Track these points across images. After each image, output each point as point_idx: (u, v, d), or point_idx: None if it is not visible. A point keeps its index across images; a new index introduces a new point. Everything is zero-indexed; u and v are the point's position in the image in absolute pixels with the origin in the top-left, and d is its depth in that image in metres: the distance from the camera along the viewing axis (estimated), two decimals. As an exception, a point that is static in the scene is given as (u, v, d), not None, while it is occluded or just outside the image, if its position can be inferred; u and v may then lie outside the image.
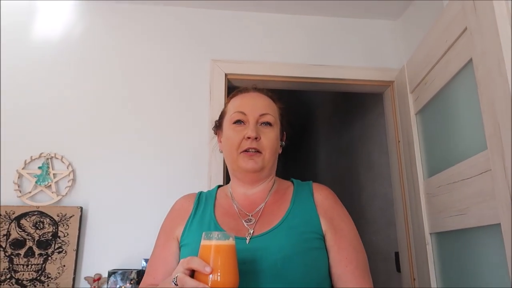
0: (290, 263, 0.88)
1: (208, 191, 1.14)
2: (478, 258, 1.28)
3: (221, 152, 1.13)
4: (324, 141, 3.67)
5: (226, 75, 1.92)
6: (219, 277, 0.72)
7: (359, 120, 2.76)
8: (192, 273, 0.75)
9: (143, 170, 1.75)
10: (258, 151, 1.01)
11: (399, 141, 1.95)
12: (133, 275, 1.54)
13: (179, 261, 0.97)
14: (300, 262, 0.89)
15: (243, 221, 1.00)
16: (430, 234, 1.61)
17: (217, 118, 1.19)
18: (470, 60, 1.28)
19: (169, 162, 1.78)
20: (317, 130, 3.88)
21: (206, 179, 1.76)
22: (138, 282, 1.51)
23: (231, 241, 0.76)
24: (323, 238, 0.97)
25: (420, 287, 1.69)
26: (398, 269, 2.03)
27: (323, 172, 3.62)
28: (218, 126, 1.14)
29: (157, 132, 1.81)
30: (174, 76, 1.89)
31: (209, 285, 0.71)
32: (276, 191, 1.08)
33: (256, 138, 1.01)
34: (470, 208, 1.28)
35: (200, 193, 1.12)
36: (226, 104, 1.15)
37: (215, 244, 0.75)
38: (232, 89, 1.99)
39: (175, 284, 0.74)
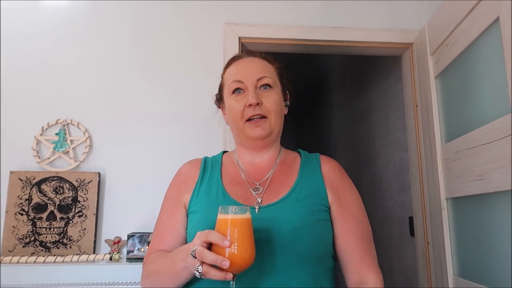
0: (299, 234, 0.89)
1: (213, 156, 1.14)
2: (495, 224, 1.27)
3: (227, 123, 1.12)
4: (338, 106, 3.62)
5: (240, 38, 1.88)
6: (236, 249, 0.73)
7: (375, 84, 2.69)
8: (209, 246, 0.76)
9: (159, 135, 1.76)
10: (263, 117, 1.00)
11: (417, 106, 1.91)
12: (151, 238, 1.58)
13: (186, 227, 1.00)
14: (309, 234, 0.90)
15: (251, 190, 1.00)
16: (446, 199, 1.60)
17: None
18: (497, 19, 1.22)
19: (184, 127, 1.78)
20: (331, 95, 3.82)
21: (221, 144, 1.76)
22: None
23: (247, 215, 0.77)
24: (329, 210, 0.98)
25: (434, 252, 1.70)
26: (412, 233, 2.05)
27: (337, 138, 3.60)
28: (219, 99, 1.13)
29: (172, 97, 1.80)
30: (187, 40, 1.85)
31: (227, 257, 0.72)
32: (283, 160, 1.08)
33: (258, 104, 0.99)
34: (490, 173, 1.26)
35: (205, 159, 1.11)
36: (222, 75, 1.12)
37: (231, 218, 0.75)
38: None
39: (193, 256, 0.75)
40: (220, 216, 0.78)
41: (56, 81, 1.75)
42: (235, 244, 0.73)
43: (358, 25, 1.94)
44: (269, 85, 1.02)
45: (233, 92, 1.02)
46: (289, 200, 0.96)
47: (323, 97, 4.04)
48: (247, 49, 1.11)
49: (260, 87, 1.01)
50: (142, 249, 1.57)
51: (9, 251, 1.56)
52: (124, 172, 1.71)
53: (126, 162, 1.72)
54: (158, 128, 1.76)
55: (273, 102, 1.01)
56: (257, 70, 1.03)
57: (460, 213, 1.51)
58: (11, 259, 1.50)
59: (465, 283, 1.44)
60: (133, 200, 1.69)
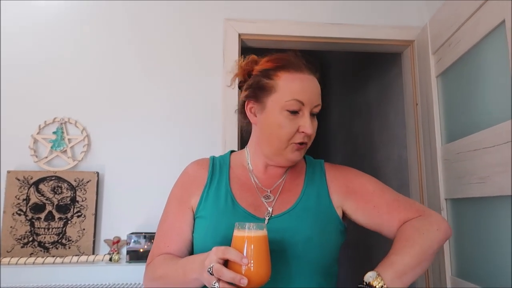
0: (310, 244, 0.90)
1: (221, 156, 1.10)
2: (495, 227, 1.28)
3: (246, 122, 1.06)
4: (337, 99, 3.61)
5: (239, 35, 1.85)
6: (252, 267, 0.73)
7: (375, 79, 2.68)
8: (225, 262, 0.76)
9: (158, 133, 1.74)
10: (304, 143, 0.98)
11: (417, 104, 1.90)
12: (149, 239, 1.58)
13: (193, 231, 0.99)
14: (318, 243, 0.91)
15: (262, 197, 0.99)
16: (446, 199, 1.60)
17: (232, 72, 1.08)
18: (503, 22, 1.20)
19: (183, 125, 1.76)
20: (329, 87, 3.80)
21: (221, 143, 1.74)
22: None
23: (264, 231, 0.77)
24: (337, 220, 0.98)
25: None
26: (410, 230, 2.05)
27: (336, 132, 3.59)
28: (254, 97, 1.00)
29: (171, 95, 1.77)
30: (187, 37, 1.82)
31: (243, 274, 0.72)
32: (293, 168, 1.06)
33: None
34: (492, 177, 1.26)
35: (213, 159, 1.07)
36: (270, 75, 0.97)
37: (248, 235, 0.76)
38: (246, 50, 1.93)
39: (210, 273, 0.75)
40: (237, 232, 0.78)
41: (54, 78, 1.72)
42: (252, 261, 0.73)
43: (359, 21, 1.92)
44: (317, 114, 1.00)
45: (291, 111, 0.94)
46: (297, 209, 0.96)
47: (321, 88, 4.02)
48: (306, 59, 1.00)
49: (311, 113, 0.97)
50: (141, 250, 1.57)
51: (8, 251, 1.55)
52: (123, 171, 1.69)
53: (124, 161, 1.70)
54: (157, 126, 1.74)
55: (315, 131, 0.98)
56: (317, 95, 0.97)
57: (459, 214, 1.52)
58: (9, 260, 1.49)
59: (464, 284, 1.45)
60: (132, 199, 1.67)
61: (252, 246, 0.75)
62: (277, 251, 0.86)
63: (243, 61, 1.07)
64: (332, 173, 1.05)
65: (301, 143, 0.96)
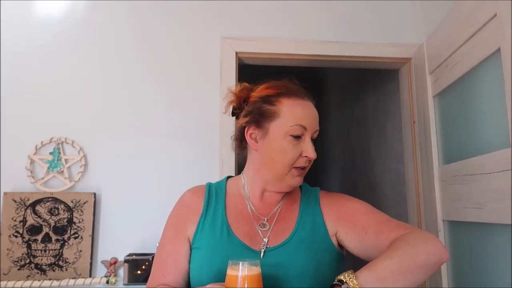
0: (304, 280, 0.89)
1: (217, 183, 1.10)
2: (492, 254, 1.28)
3: (242, 148, 1.06)
4: (334, 109, 3.61)
5: (236, 53, 1.85)
6: None
7: (373, 92, 2.68)
8: None
9: (155, 154, 1.74)
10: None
11: (414, 122, 1.90)
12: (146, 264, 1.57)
13: (189, 261, 0.99)
14: (313, 278, 0.90)
15: (257, 226, 0.99)
16: (443, 220, 1.61)
17: (226, 99, 1.06)
18: (498, 50, 1.21)
19: (180, 146, 1.76)
20: (327, 97, 3.80)
21: (218, 160, 1.74)
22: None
23: (257, 270, 0.78)
24: (333, 249, 0.97)
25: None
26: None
27: (333, 142, 3.59)
28: (256, 123, 0.99)
29: (168, 115, 1.77)
30: (183, 55, 1.82)
31: None
32: (289, 193, 1.06)
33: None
34: (489, 203, 1.26)
35: (209, 187, 1.07)
36: (272, 101, 0.98)
37: (242, 274, 0.76)
38: (243, 67, 1.93)
39: None
40: (230, 271, 0.78)
41: (50, 98, 1.72)
42: None
43: (356, 39, 1.92)
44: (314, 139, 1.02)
45: (295, 136, 0.96)
46: (292, 242, 0.95)
47: (318, 98, 4.02)
48: (303, 86, 1.04)
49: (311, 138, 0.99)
50: (139, 272, 1.56)
51: (4, 274, 1.54)
52: (120, 191, 1.69)
53: (121, 181, 1.70)
54: (155, 146, 1.74)
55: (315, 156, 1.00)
56: (316, 120, 1.00)
57: (457, 236, 1.52)
58: (6, 284, 1.48)
59: (461, 306, 1.46)
60: (130, 220, 1.67)
61: (246, 285, 0.75)
62: (271, 287, 0.86)
63: (237, 88, 1.07)
64: (326, 199, 1.04)
65: (302, 168, 0.97)
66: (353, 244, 0.94)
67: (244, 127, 1.03)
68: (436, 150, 1.67)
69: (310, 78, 3.98)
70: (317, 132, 1.00)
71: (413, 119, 1.91)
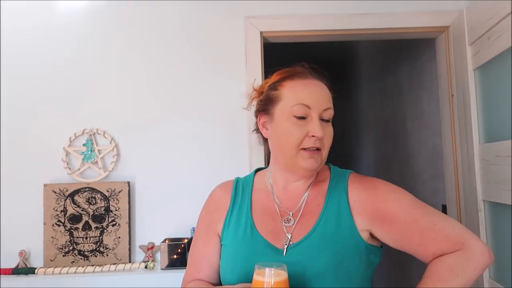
0: (323, 279, 0.87)
1: (245, 177, 1.10)
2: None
3: (263, 138, 1.05)
4: (366, 80, 3.47)
5: (261, 33, 1.78)
6: None
7: (408, 61, 2.54)
8: None
9: (186, 141, 1.74)
10: (318, 149, 0.94)
11: (452, 95, 1.79)
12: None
13: (220, 256, 1.00)
14: (333, 277, 0.88)
15: (282, 222, 0.97)
16: (483, 201, 1.53)
17: (254, 82, 1.09)
18: (549, 21, 1.09)
19: (208, 132, 1.75)
20: (359, 67, 3.65)
21: (247, 147, 1.73)
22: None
23: (284, 275, 0.77)
24: (360, 243, 0.93)
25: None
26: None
27: (366, 114, 3.48)
28: (264, 111, 1.00)
29: (196, 100, 1.76)
30: (207, 38, 1.77)
31: None
32: (315, 182, 1.02)
33: (322, 137, 0.93)
34: (534, 188, 1.18)
35: (237, 182, 1.07)
36: (278, 86, 0.98)
37: (268, 280, 0.76)
38: (268, 46, 1.87)
39: None
40: (256, 277, 0.78)
41: (80, 90, 1.74)
42: None
43: (387, 9, 1.79)
44: (329, 119, 0.96)
45: (298, 117, 0.93)
46: (313, 237, 0.92)
47: (350, 68, 3.87)
48: (311, 66, 1.00)
49: (321, 118, 0.94)
50: (175, 256, 1.61)
51: (51, 260, 1.64)
52: (152, 179, 1.72)
53: (154, 169, 1.73)
54: (185, 133, 1.75)
55: (330, 137, 0.95)
56: (325, 99, 0.96)
57: (498, 217, 1.45)
58: (53, 270, 1.57)
59: (502, 289, 1.41)
60: (163, 206, 1.71)
61: None
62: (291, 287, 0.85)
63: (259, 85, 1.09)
64: (357, 192, 0.97)
65: (313, 149, 0.93)
66: (394, 245, 0.93)
67: (257, 118, 1.04)
68: (477, 127, 1.57)
69: (338, 50, 3.84)
70: (330, 111, 0.95)
71: (452, 92, 1.80)
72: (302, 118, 0.93)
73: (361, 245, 0.93)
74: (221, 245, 1.01)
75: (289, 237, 0.93)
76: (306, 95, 0.93)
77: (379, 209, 0.93)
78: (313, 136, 0.91)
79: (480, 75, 1.54)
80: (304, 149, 0.93)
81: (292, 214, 0.98)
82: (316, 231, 0.93)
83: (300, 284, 0.87)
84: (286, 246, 0.92)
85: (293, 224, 0.96)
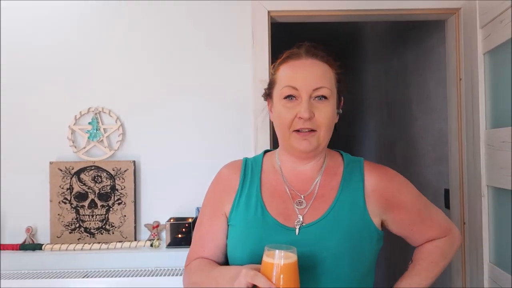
0: (338, 260, 0.89)
1: (254, 158, 1.10)
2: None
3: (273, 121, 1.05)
4: (371, 60, 3.43)
5: (269, 12, 1.75)
6: None
7: (415, 43, 2.50)
8: (253, 286, 0.77)
9: (190, 121, 1.74)
10: (312, 130, 0.93)
11: (460, 79, 1.77)
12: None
13: (227, 237, 1.01)
14: (348, 258, 0.90)
15: (294, 204, 0.97)
16: (487, 186, 1.54)
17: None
18: None
19: (214, 113, 1.75)
20: (363, 47, 3.60)
21: (253, 130, 1.73)
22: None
23: (293, 258, 0.77)
24: (372, 228, 0.96)
25: (470, 235, 1.67)
26: (447, 205, 2.01)
27: (370, 96, 3.46)
28: (268, 95, 1.04)
29: (202, 81, 1.75)
30: (213, 18, 1.75)
31: None
32: (327, 168, 1.02)
33: (309, 118, 0.92)
34: (540, 174, 1.18)
35: (246, 162, 1.07)
36: (275, 70, 1.02)
37: (277, 262, 0.76)
38: (276, 26, 1.84)
39: None
40: (266, 258, 0.78)
41: (86, 69, 1.73)
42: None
43: (398, -11, 1.76)
44: (324, 97, 0.94)
45: (285, 97, 0.95)
46: (328, 219, 0.94)
47: (354, 48, 3.82)
48: (311, 44, 0.98)
49: (316, 97, 0.93)
50: (179, 235, 1.64)
51: (58, 237, 1.66)
52: (158, 158, 1.73)
53: (159, 149, 1.73)
54: (189, 114, 1.74)
55: (326, 116, 0.93)
56: (316, 78, 0.94)
57: (501, 202, 1.46)
58: (60, 247, 1.60)
59: (501, 273, 1.43)
60: (169, 186, 1.73)
61: (282, 275, 0.76)
62: (306, 267, 0.86)
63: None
64: (374, 180, 0.99)
65: (303, 130, 0.93)
66: (395, 230, 1.04)
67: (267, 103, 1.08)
68: (484, 112, 1.56)
69: (344, 31, 3.77)
70: (322, 90, 0.93)
71: (459, 76, 1.78)
72: (290, 97, 0.94)
73: (373, 230, 0.96)
74: (228, 225, 1.02)
75: (301, 218, 0.94)
76: (293, 77, 0.95)
77: (392, 197, 0.99)
78: (300, 117, 0.92)
79: (489, 59, 1.52)
80: (297, 131, 0.93)
81: (304, 197, 0.98)
82: (331, 214, 0.94)
83: (314, 265, 0.88)
84: (298, 226, 0.93)
85: (306, 206, 0.97)
